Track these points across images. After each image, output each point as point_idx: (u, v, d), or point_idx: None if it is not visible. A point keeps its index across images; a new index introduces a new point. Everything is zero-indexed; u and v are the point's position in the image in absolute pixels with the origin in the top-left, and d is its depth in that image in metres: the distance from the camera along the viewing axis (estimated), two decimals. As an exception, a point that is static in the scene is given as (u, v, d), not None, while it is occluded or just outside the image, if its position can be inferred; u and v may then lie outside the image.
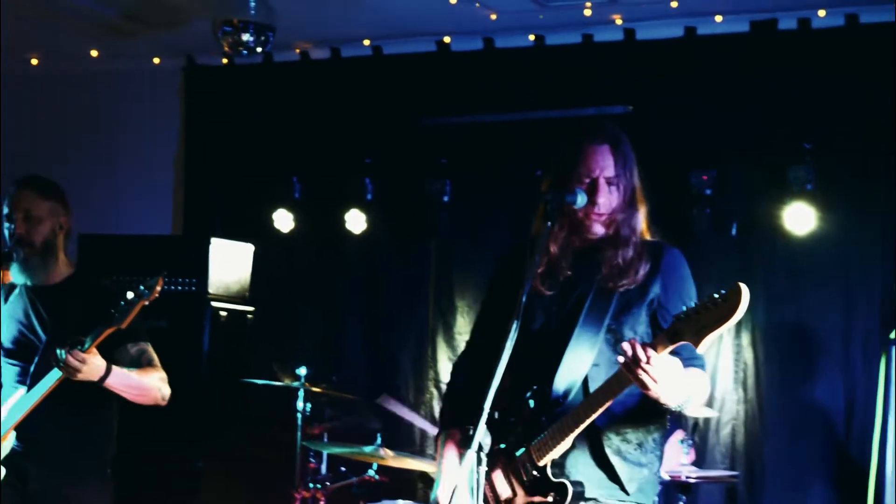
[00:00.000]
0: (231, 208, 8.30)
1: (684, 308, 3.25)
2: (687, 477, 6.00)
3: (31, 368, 4.62)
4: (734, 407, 6.97)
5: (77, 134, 8.87)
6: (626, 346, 3.29)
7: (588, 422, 3.48)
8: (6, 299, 4.80)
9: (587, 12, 7.11)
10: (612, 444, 3.62)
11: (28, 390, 4.57)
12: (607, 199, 3.66)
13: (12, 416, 4.56)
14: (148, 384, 4.61)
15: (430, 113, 7.85)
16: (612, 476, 3.61)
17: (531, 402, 3.64)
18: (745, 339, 6.96)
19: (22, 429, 4.58)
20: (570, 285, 3.72)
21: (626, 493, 3.62)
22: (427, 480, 6.66)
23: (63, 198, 4.82)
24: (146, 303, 4.36)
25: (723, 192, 6.98)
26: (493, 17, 7.28)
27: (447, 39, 7.80)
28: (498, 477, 3.69)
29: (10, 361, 4.72)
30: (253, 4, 6.67)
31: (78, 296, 4.69)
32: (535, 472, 3.59)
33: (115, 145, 8.82)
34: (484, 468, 3.30)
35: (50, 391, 4.48)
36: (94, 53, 8.55)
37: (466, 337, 4.19)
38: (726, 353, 6.97)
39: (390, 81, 7.97)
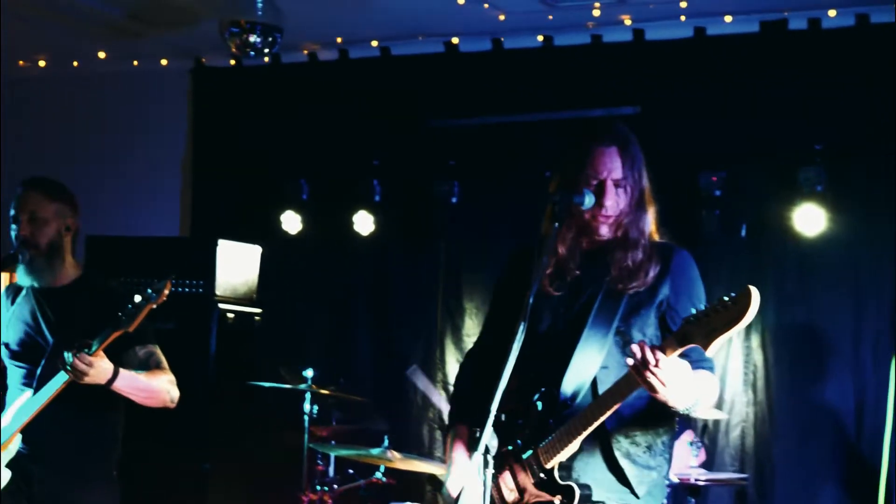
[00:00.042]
0: (239, 210, 8.28)
1: (693, 311, 3.24)
2: (696, 479, 6.00)
3: (38, 371, 4.60)
4: (744, 409, 6.95)
5: (85, 135, 8.88)
6: (635, 348, 3.27)
7: (596, 424, 3.47)
8: (13, 301, 4.78)
9: (596, 13, 7.10)
10: (622, 447, 3.60)
11: (34, 393, 4.55)
12: (614, 202, 3.64)
13: (18, 418, 4.54)
14: (156, 387, 4.59)
15: (439, 114, 7.84)
16: (622, 479, 3.59)
17: (539, 405, 3.62)
18: (755, 340, 6.93)
19: (28, 431, 4.55)
20: (578, 286, 3.70)
21: (636, 496, 3.60)
22: (435, 483, 6.63)
23: (70, 199, 4.79)
24: (154, 306, 4.34)
25: (732, 194, 6.96)
26: (502, 17, 7.26)
27: (455, 40, 7.78)
28: (505, 479, 3.67)
29: (17, 363, 4.70)
30: (260, 5, 6.66)
31: (85, 298, 4.66)
32: (542, 475, 3.57)
33: (124, 147, 8.82)
34: (491, 471, 3.28)
35: (56, 394, 4.45)
36: (101, 55, 8.55)
37: (475, 339, 4.16)
38: (736, 354, 6.94)
39: (398, 82, 7.96)
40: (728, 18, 7.07)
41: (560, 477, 3.55)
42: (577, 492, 3.51)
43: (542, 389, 3.62)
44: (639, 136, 3.74)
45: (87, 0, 7.40)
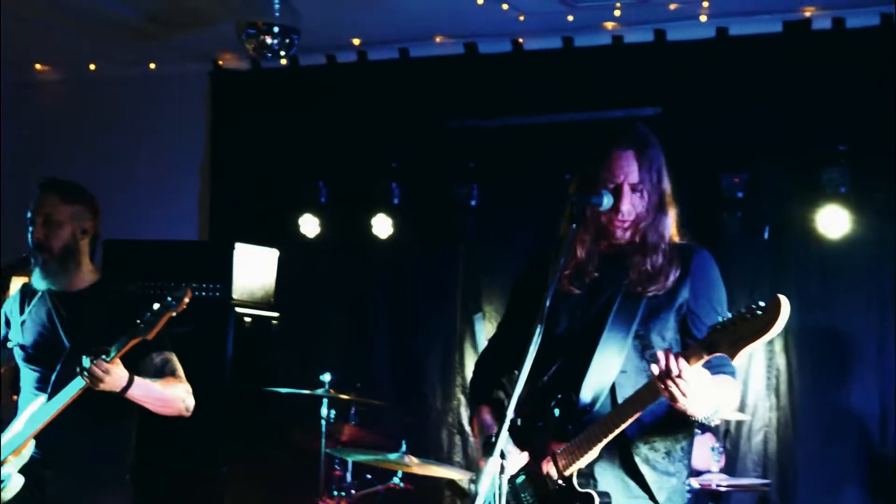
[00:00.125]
0: (257, 213, 8.26)
1: (720, 318, 3.21)
2: (718, 485, 5.96)
3: (53, 376, 4.56)
4: (767, 414, 6.90)
5: (103, 138, 8.89)
6: (659, 355, 3.25)
7: (617, 432, 3.44)
8: (29, 302, 4.74)
9: (617, 13, 7.06)
10: (640, 453, 3.57)
11: (49, 398, 4.51)
12: (631, 206, 3.61)
13: (32, 424, 4.51)
14: (171, 395, 4.56)
15: (458, 116, 7.81)
16: (642, 485, 3.56)
17: (556, 412, 3.59)
18: (778, 344, 6.87)
19: (41, 436, 4.52)
20: (596, 289, 3.68)
21: (656, 502, 3.58)
22: (455, 488, 6.60)
23: (88, 202, 4.73)
24: (174, 314, 4.30)
25: (755, 195, 6.91)
26: (522, 18, 7.22)
27: (475, 42, 7.74)
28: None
29: (31, 367, 4.67)
30: (277, 7, 6.65)
31: (102, 303, 4.63)
32: (560, 482, 3.53)
33: (142, 150, 8.83)
34: (506, 476, 3.24)
35: (71, 401, 4.41)
36: (120, 58, 8.55)
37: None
38: (758, 358, 6.89)
39: (417, 84, 7.94)
40: (750, 18, 7.00)
41: (579, 484, 3.51)
42: (597, 499, 3.48)
43: (559, 396, 3.59)
44: (659, 137, 3.72)
45: (104, 3, 7.38)
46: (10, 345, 4.76)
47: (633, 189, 3.61)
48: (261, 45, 6.72)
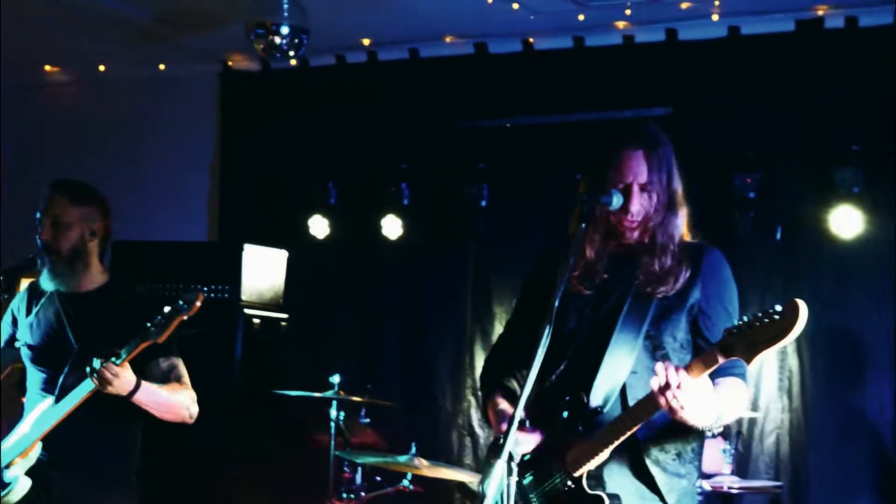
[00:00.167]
0: (267, 214, 8.26)
1: (736, 321, 3.18)
2: (729, 487, 5.93)
3: (61, 378, 4.52)
4: (779, 415, 6.87)
5: (113, 139, 8.91)
6: (658, 368, 3.24)
7: (628, 435, 3.41)
8: (36, 302, 4.71)
9: (628, 12, 7.04)
10: (651, 455, 3.54)
11: (56, 401, 4.48)
12: (640, 206, 3.59)
13: (39, 426, 4.48)
14: (176, 402, 4.52)
15: (468, 116, 7.79)
16: (652, 487, 3.53)
17: (564, 413, 3.56)
18: (790, 345, 6.83)
19: (47, 437, 4.48)
20: (605, 289, 3.66)
21: (666, 504, 3.56)
22: (466, 491, 6.57)
23: (98, 203, 4.69)
24: (185, 317, 4.27)
25: (767, 195, 6.89)
26: (532, 17, 7.19)
27: (485, 42, 7.72)
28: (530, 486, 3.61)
29: (38, 367, 4.64)
30: (286, 7, 6.64)
31: (111, 305, 4.59)
32: (569, 483, 3.50)
33: (152, 151, 8.85)
34: (515, 478, 3.21)
35: (80, 404, 4.39)
36: (130, 59, 8.57)
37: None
38: (771, 360, 6.86)
39: (427, 85, 7.93)
40: (762, 17, 6.98)
41: (588, 486, 3.48)
42: (607, 501, 3.45)
43: (568, 397, 3.56)
44: (671, 137, 3.69)
45: (114, 4, 7.37)
46: (17, 344, 4.73)
47: (643, 189, 3.58)
48: (270, 45, 6.71)
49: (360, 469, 6.55)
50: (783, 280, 6.84)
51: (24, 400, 4.66)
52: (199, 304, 4.25)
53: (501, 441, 3.19)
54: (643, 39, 7.36)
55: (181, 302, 4.25)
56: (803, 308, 3.03)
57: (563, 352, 3.58)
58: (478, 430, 7.50)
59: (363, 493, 6.45)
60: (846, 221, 6.65)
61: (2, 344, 4.79)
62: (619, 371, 3.54)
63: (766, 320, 3.09)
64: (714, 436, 6.01)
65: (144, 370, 4.44)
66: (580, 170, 3.88)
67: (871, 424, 6.67)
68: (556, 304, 3.26)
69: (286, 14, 6.66)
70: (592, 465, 3.46)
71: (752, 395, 6.70)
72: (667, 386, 3.20)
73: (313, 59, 8.11)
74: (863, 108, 6.70)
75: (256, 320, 7.03)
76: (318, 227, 7.99)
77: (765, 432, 6.86)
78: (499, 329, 7.52)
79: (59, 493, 4.52)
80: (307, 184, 8.07)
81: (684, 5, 6.87)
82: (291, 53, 6.79)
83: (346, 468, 6.58)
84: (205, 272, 6.92)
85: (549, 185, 7.29)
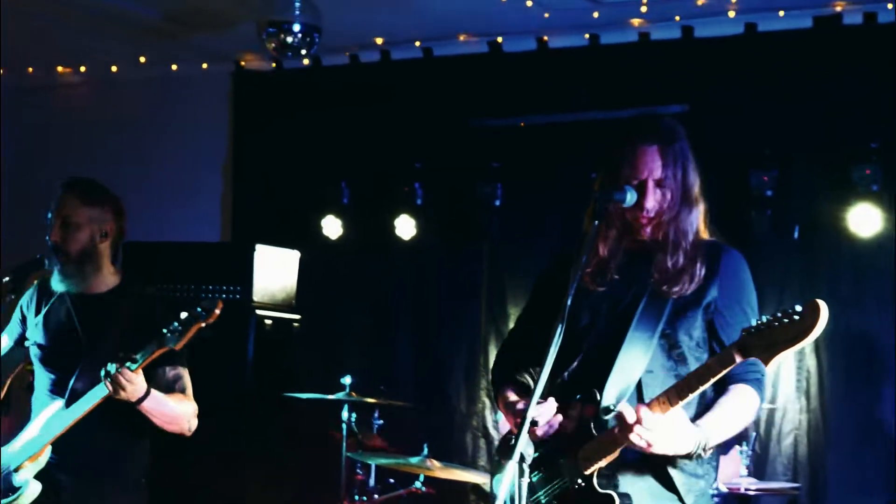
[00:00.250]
0: (279, 214, 8.24)
1: (754, 321, 3.15)
2: (746, 489, 5.90)
3: (71, 381, 4.48)
4: (796, 416, 6.83)
5: (125, 139, 8.89)
6: (619, 408, 3.27)
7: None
8: (46, 302, 4.67)
9: (643, 9, 7.02)
10: (668, 455, 3.46)
11: (66, 404, 4.44)
12: (655, 202, 3.55)
13: (49, 429, 4.44)
14: (180, 413, 4.49)
15: (482, 115, 7.76)
16: (669, 487, 3.49)
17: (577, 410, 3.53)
18: (808, 346, 6.76)
19: (57, 440, 4.45)
20: (620, 287, 3.62)
21: None
22: (480, 493, 6.54)
23: (110, 203, 4.63)
24: (203, 325, 4.21)
25: (785, 194, 6.84)
26: (546, 15, 7.15)
27: (500, 40, 7.69)
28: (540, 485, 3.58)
29: (47, 368, 4.60)
30: (297, 5, 6.63)
31: (123, 307, 4.55)
32: (580, 481, 3.46)
33: (164, 151, 8.84)
34: (526, 479, 3.18)
35: (92, 408, 4.35)
36: (142, 59, 8.59)
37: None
38: (788, 360, 6.81)
39: (441, 84, 7.89)
40: (780, 14, 6.93)
41: (599, 485, 3.44)
42: (617, 500, 3.41)
43: (579, 395, 3.52)
44: (687, 135, 3.64)
45: (126, 4, 7.37)
46: (27, 343, 4.69)
47: (658, 185, 3.54)
48: (282, 43, 6.71)
49: (372, 471, 6.53)
50: (801, 279, 6.80)
51: (32, 400, 4.62)
52: (218, 311, 4.19)
53: (513, 442, 3.15)
54: (659, 37, 7.32)
55: (199, 309, 4.20)
56: (824, 308, 2.99)
57: (576, 349, 3.55)
58: (492, 431, 7.47)
59: (376, 495, 6.44)
60: (864, 220, 6.60)
61: (11, 343, 4.76)
62: (633, 370, 3.50)
63: (786, 320, 3.05)
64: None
65: (148, 377, 4.37)
66: (595, 168, 3.83)
67: (890, 425, 6.61)
68: (569, 302, 3.23)
69: (298, 12, 6.66)
70: (604, 462, 3.42)
71: (770, 395, 6.65)
72: (628, 426, 3.22)
73: (326, 58, 8.09)
74: (881, 105, 6.63)
75: (268, 321, 7.01)
76: (331, 227, 7.96)
77: (782, 433, 6.81)
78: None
79: (68, 495, 4.50)
80: (320, 184, 8.04)
81: (700, 2, 6.85)
82: (304, 52, 6.79)
83: (358, 470, 6.56)
84: (217, 273, 6.92)
85: (564, 184, 7.24)
